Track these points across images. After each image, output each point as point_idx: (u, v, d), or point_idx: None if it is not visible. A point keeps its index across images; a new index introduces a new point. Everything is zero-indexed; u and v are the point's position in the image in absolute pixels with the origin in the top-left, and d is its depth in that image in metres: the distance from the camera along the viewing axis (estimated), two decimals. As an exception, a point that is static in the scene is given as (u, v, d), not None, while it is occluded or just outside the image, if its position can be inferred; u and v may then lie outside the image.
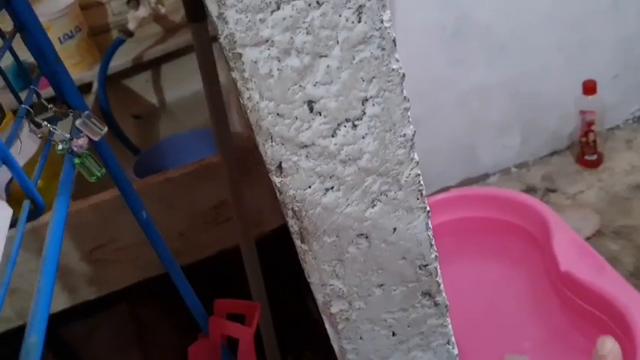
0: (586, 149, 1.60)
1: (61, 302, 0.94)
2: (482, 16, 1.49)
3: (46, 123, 0.33)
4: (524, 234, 1.30)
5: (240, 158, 0.83)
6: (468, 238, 1.38)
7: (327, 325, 0.50)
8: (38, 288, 0.30)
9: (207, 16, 0.36)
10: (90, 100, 1.27)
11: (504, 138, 1.66)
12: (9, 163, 0.26)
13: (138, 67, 1.37)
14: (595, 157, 1.60)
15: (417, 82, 1.52)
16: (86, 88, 1.33)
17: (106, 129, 0.37)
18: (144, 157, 1.09)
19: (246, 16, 0.35)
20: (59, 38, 1.30)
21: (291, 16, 0.36)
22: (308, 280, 0.45)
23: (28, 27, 0.36)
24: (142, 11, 1.29)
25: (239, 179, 0.82)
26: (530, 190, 1.62)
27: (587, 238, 1.41)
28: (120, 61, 1.34)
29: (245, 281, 0.89)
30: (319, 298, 0.46)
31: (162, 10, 1.35)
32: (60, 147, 0.33)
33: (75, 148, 0.34)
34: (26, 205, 0.29)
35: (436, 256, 0.46)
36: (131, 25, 1.29)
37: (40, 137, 0.32)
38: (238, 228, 0.81)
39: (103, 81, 1.27)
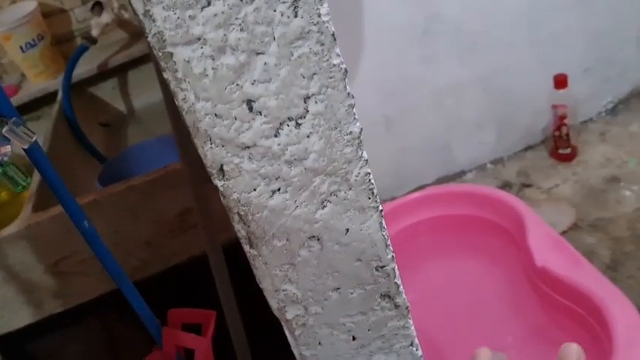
0: (560, 143, 1.60)
1: (25, 317, 0.91)
2: (452, 13, 1.48)
3: (-34, 132, 0.32)
4: (501, 230, 1.30)
5: (203, 164, 0.81)
6: (445, 236, 1.38)
7: (285, 332, 0.48)
8: None
9: (135, 14, 0.34)
10: (55, 109, 1.24)
11: (479, 134, 1.66)
12: None
13: (104, 74, 1.35)
14: (569, 150, 1.60)
15: (390, 81, 1.52)
16: (51, 97, 1.30)
17: (35, 136, 0.35)
18: (110, 167, 1.07)
19: (175, 13, 0.34)
20: (21, 47, 1.27)
21: (222, 13, 0.34)
22: (260, 286, 0.44)
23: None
24: (105, 17, 1.26)
25: (203, 185, 0.80)
26: (505, 185, 1.62)
27: (564, 232, 1.41)
28: (85, 68, 1.31)
29: (215, 288, 0.87)
30: (273, 304, 0.45)
31: (126, 16, 1.32)
32: (-20, 156, 0.32)
33: (-3, 158, 0.32)
34: None
35: (393, 256, 0.45)
36: (94, 32, 1.26)
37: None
38: (204, 234, 0.79)
39: (67, 89, 1.24)
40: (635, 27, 1.64)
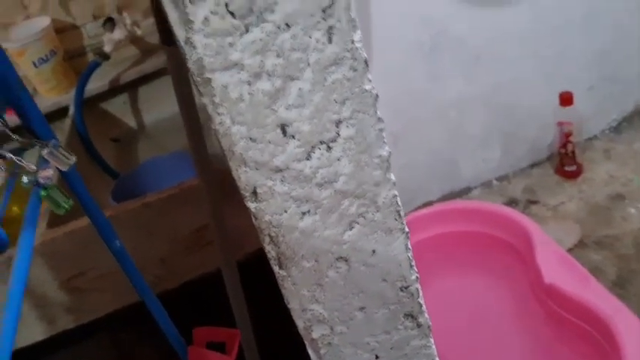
0: (565, 160, 1.61)
1: (39, 333, 0.92)
2: (459, 30, 1.50)
3: (11, 155, 0.32)
4: (508, 247, 1.30)
5: (220, 180, 0.82)
6: (451, 253, 1.38)
7: (309, 351, 0.49)
8: (2, 325, 0.29)
9: (175, 41, 0.35)
10: (66, 124, 1.25)
11: (484, 151, 1.67)
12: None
13: (115, 89, 1.36)
14: (574, 167, 1.61)
15: (396, 98, 1.53)
16: (63, 112, 1.31)
17: (74, 158, 0.36)
18: (122, 182, 1.08)
19: (215, 41, 0.35)
20: (34, 62, 1.29)
21: (260, 40, 0.35)
22: (288, 305, 0.44)
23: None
24: (118, 33, 1.28)
25: (220, 202, 0.80)
26: (511, 202, 1.62)
27: (570, 250, 1.42)
28: (97, 84, 1.32)
29: (229, 305, 0.88)
30: (300, 323, 0.45)
31: (139, 32, 1.34)
32: (25, 180, 0.32)
33: (41, 180, 0.32)
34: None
35: (417, 277, 0.46)
36: (107, 48, 1.28)
37: (4, 170, 0.31)
38: (219, 251, 0.80)
39: (79, 104, 1.25)
40: (639, 45, 1.66)
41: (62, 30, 1.36)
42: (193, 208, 0.88)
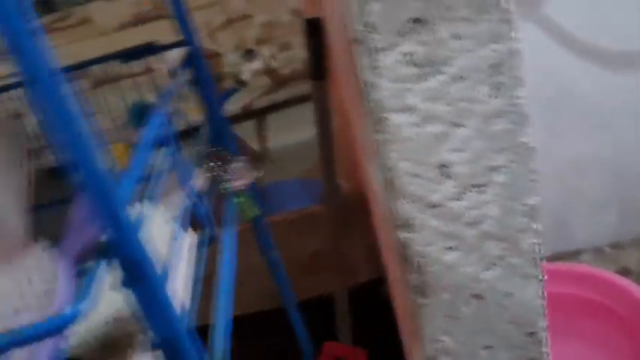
0: (689, 235, 1.52)
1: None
2: (586, 90, 1.48)
3: (213, 164, 0.38)
4: (615, 317, 1.25)
5: (343, 210, 0.86)
6: (553, 315, 1.34)
7: (428, 381, 0.51)
8: (217, 303, 0.34)
9: (361, 85, 0.40)
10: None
11: (599, 215, 1.62)
12: (192, 197, 0.31)
13: (246, 114, 1.46)
14: (698, 244, 1.52)
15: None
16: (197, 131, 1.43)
17: (256, 173, 0.42)
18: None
19: (396, 85, 0.39)
20: (180, 84, 1.41)
21: (435, 88, 0.39)
22: (419, 333, 0.47)
23: (202, 84, 0.41)
24: (256, 64, 1.38)
25: (340, 231, 0.85)
26: (625, 271, 1.55)
27: (686, 330, 1.33)
28: (230, 107, 1.43)
29: (334, 329, 0.91)
30: (428, 351, 0.48)
31: (274, 64, 1.44)
32: (224, 186, 0.38)
33: (234, 189, 0.38)
34: (205, 233, 0.33)
35: (546, 325, 0.47)
36: (245, 76, 1.39)
37: (208, 176, 0.37)
38: (335, 277, 0.84)
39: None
40: None
41: (206, 57, 1.48)
42: (312, 234, 0.93)
